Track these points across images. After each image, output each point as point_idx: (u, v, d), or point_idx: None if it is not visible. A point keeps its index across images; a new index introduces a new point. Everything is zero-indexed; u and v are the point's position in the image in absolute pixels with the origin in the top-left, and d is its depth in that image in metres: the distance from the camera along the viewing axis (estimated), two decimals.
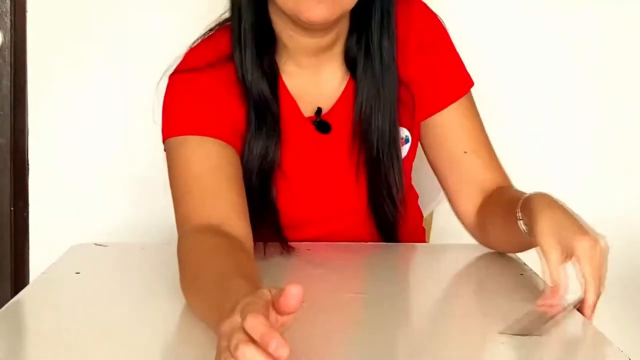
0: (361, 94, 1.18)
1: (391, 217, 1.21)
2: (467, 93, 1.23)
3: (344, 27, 1.17)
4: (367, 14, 1.16)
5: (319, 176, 1.22)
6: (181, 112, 1.14)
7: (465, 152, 1.20)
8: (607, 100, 1.97)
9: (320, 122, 1.20)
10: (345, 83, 1.20)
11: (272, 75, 1.17)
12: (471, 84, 1.24)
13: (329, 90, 1.21)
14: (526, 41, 1.95)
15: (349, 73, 1.20)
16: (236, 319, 0.69)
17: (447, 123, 1.21)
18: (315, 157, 1.21)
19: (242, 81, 1.15)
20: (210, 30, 1.21)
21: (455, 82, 1.23)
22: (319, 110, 1.21)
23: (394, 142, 1.19)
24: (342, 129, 1.20)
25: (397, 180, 1.19)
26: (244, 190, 1.12)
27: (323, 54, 1.18)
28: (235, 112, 1.16)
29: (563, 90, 1.96)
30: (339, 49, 1.19)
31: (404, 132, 1.22)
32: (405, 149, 1.22)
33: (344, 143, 1.20)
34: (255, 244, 1.09)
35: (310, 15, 1.06)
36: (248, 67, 1.15)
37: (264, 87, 1.15)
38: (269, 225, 1.17)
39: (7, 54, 1.86)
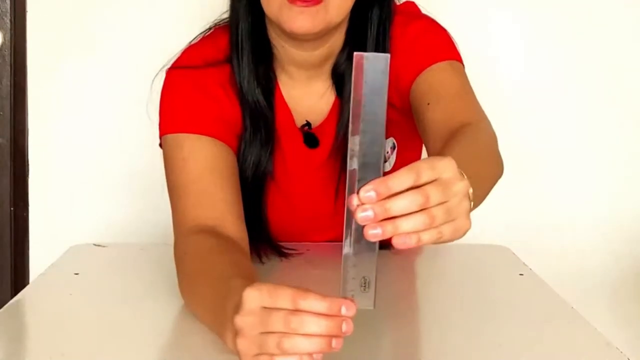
0: (346, 112, 1.16)
1: None
2: (447, 62, 1.13)
3: (337, 43, 1.15)
4: (362, 31, 1.14)
5: (306, 189, 1.22)
6: (179, 109, 1.13)
7: (428, 104, 1.08)
8: (607, 99, 1.97)
9: (310, 137, 1.20)
10: (333, 98, 1.20)
11: (268, 84, 1.17)
12: (452, 56, 1.15)
13: (319, 104, 1.20)
14: (523, 40, 1.95)
15: (334, 89, 1.19)
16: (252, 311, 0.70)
17: (420, 85, 1.12)
18: (304, 170, 1.21)
19: (239, 88, 1.15)
20: (210, 28, 1.21)
21: (429, 50, 1.14)
22: (309, 124, 1.20)
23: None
24: (330, 145, 1.19)
25: None
26: (239, 189, 1.12)
27: (314, 69, 1.17)
28: (232, 112, 1.15)
29: (561, 89, 1.96)
30: (330, 65, 1.18)
31: (391, 141, 1.21)
32: (392, 158, 1.21)
33: (330, 159, 1.20)
34: (251, 253, 1.08)
35: (292, 25, 1.05)
36: (244, 74, 1.15)
37: (258, 96, 1.15)
38: (260, 234, 1.17)
39: (7, 54, 1.85)
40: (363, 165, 0.68)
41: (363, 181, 0.67)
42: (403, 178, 0.67)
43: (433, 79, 1.11)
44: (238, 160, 1.15)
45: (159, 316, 0.97)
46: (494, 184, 0.95)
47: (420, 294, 1.13)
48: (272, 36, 1.15)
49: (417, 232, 0.67)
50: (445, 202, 0.68)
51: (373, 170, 0.68)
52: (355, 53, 0.67)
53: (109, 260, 1.24)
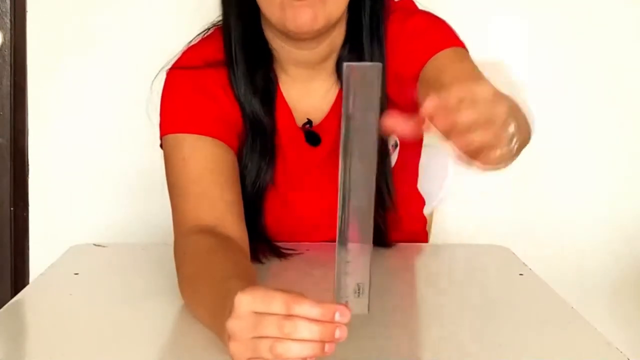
0: None
1: (382, 225, 1.19)
2: (452, 49, 1.12)
3: (337, 40, 1.15)
4: (359, 23, 1.14)
5: (308, 187, 1.22)
6: (179, 110, 1.13)
7: (443, 83, 1.05)
8: (607, 99, 1.97)
9: (311, 134, 1.20)
10: (336, 94, 1.20)
11: (266, 89, 1.16)
12: (455, 43, 1.13)
13: (320, 102, 1.20)
14: (523, 40, 1.95)
15: (339, 84, 1.19)
16: (244, 315, 0.70)
17: (428, 72, 1.10)
18: (306, 169, 1.21)
19: (237, 96, 1.15)
20: (209, 29, 1.21)
21: (431, 41, 1.12)
22: (310, 122, 1.20)
23: (382, 154, 1.16)
24: (332, 142, 1.19)
25: (387, 189, 1.17)
26: (240, 189, 1.12)
27: (315, 66, 1.17)
28: (232, 112, 1.15)
29: (561, 89, 1.96)
30: (332, 61, 1.18)
31: (393, 139, 1.21)
32: (394, 156, 1.21)
33: (333, 156, 1.19)
34: (250, 254, 1.08)
35: (297, 20, 1.05)
36: (240, 84, 1.14)
37: (255, 105, 1.15)
38: (260, 235, 1.17)
39: (7, 54, 1.86)
40: (355, 181, 0.68)
41: (355, 200, 0.67)
42: (454, 92, 0.70)
43: (442, 63, 1.10)
44: (239, 166, 1.15)
45: (159, 316, 0.97)
46: (528, 138, 0.97)
47: (420, 294, 1.13)
48: (270, 37, 1.15)
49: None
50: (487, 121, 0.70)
51: (364, 186, 0.68)
52: (345, 64, 0.67)
53: (109, 260, 1.24)
